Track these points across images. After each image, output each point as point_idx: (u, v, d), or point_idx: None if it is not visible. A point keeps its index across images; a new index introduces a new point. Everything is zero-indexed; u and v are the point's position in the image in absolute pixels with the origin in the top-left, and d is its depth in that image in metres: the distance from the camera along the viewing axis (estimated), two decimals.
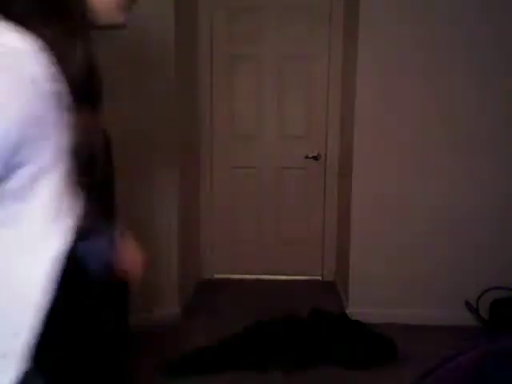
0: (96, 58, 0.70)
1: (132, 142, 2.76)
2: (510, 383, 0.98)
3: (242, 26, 3.62)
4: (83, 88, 0.67)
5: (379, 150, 3.00)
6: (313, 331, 2.73)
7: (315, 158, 3.72)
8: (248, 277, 3.86)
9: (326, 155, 3.72)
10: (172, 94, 2.89)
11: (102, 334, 1.78)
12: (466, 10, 2.84)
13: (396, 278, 3.09)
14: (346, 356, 2.60)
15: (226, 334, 2.80)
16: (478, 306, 2.99)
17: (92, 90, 0.71)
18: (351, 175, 3.07)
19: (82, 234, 0.76)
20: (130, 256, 1.07)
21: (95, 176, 0.74)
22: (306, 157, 3.73)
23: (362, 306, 3.09)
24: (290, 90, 3.69)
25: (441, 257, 3.02)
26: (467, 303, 2.99)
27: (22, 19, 0.63)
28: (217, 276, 3.89)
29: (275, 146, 3.76)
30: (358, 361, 2.59)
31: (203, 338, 2.83)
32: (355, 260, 3.11)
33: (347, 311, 3.11)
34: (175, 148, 2.95)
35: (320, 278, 3.88)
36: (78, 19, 0.68)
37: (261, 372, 2.53)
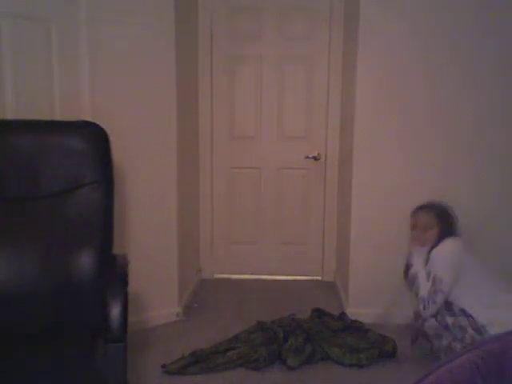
0: None
1: (131, 141, 2.76)
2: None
3: (242, 26, 3.63)
4: None
5: (379, 150, 3.00)
6: (313, 331, 2.72)
7: (315, 158, 3.72)
8: (248, 277, 3.86)
9: (326, 155, 3.72)
10: (171, 93, 2.88)
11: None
12: (466, 10, 2.84)
13: (396, 278, 3.08)
14: (345, 356, 2.60)
15: (225, 335, 2.80)
16: None
17: None
18: (351, 175, 3.06)
19: None
20: None
21: None
22: (306, 157, 3.73)
23: (362, 306, 3.09)
24: (290, 90, 3.69)
25: None
26: None
27: None
28: (217, 276, 3.90)
29: (275, 146, 3.75)
30: (358, 361, 2.59)
31: (203, 338, 2.83)
32: (355, 260, 3.11)
33: (347, 311, 3.10)
34: (174, 148, 2.95)
35: (320, 278, 3.88)
36: None
37: (261, 372, 2.53)
